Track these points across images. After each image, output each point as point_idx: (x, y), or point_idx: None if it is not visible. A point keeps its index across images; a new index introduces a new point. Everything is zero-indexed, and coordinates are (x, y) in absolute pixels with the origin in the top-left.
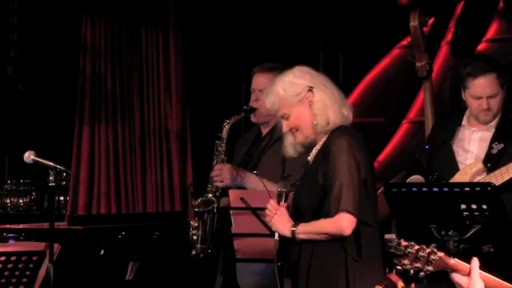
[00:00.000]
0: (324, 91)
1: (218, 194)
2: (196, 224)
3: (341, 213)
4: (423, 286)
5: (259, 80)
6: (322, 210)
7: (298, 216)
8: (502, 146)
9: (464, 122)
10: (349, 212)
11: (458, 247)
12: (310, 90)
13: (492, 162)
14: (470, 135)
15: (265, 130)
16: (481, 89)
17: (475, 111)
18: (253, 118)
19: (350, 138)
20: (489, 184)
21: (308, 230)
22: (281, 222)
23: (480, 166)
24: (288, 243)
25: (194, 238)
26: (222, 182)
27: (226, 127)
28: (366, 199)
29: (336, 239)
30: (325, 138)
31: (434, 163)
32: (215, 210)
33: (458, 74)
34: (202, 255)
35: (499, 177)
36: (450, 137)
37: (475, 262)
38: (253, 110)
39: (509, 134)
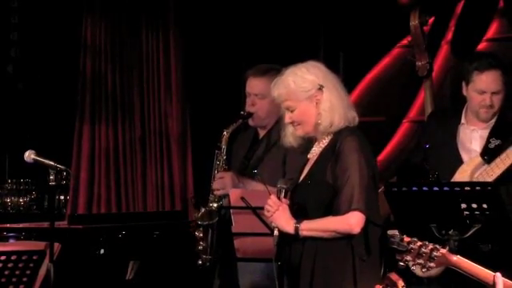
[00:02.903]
0: (333, 92)
1: (221, 202)
2: (201, 235)
3: (352, 211)
4: (423, 286)
5: (254, 84)
6: (332, 209)
7: (301, 214)
8: (499, 141)
9: (463, 120)
10: (360, 211)
11: (458, 246)
12: (320, 88)
13: (489, 155)
14: (470, 134)
15: (262, 132)
16: (486, 84)
17: (476, 107)
18: (251, 122)
19: (359, 138)
20: (489, 183)
21: (314, 226)
22: (283, 218)
23: (477, 160)
24: (288, 240)
25: (200, 248)
26: (223, 189)
27: (225, 136)
28: (374, 199)
29: (343, 237)
30: (329, 138)
31: (435, 163)
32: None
33: (459, 71)
34: (208, 264)
35: (500, 164)
36: (452, 136)
37: (499, 277)
38: (250, 114)
39: (506, 131)
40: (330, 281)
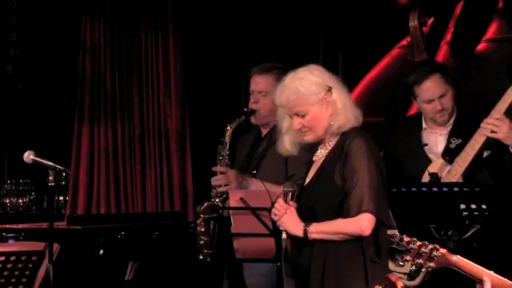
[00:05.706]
0: (341, 92)
1: (223, 197)
2: (203, 229)
3: (362, 213)
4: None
5: (257, 81)
6: (341, 211)
7: (309, 216)
8: (459, 141)
9: (424, 125)
10: (371, 212)
11: (457, 246)
12: (329, 89)
13: (451, 155)
14: (435, 138)
15: (264, 131)
16: (430, 92)
17: (430, 114)
18: (253, 120)
19: (367, 139)
20: (488, 184)
21: (323, 229)
22: (291, 221)
23: (440, 162)
24: (297, 243)
25: (201, 243)
26: (227, 185)
27: (229, 131)
28: (384, 200)
29: (353, 240)
30: (336, 139)
31: (405, 168)
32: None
33: (458, 72)
34: (208, 260)
35: (461, 162)
36: (418, 141)
37: (487, 280)
38: (253, 111)
39: (466, 129)
40: (341, 284)
